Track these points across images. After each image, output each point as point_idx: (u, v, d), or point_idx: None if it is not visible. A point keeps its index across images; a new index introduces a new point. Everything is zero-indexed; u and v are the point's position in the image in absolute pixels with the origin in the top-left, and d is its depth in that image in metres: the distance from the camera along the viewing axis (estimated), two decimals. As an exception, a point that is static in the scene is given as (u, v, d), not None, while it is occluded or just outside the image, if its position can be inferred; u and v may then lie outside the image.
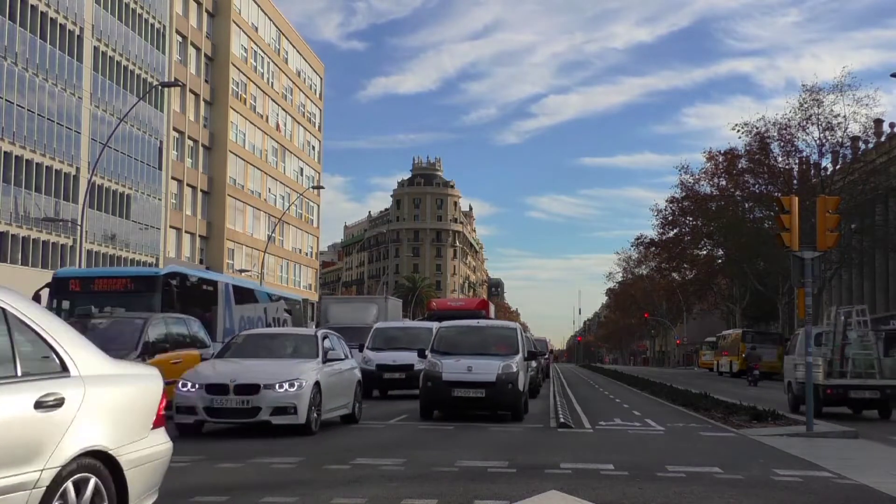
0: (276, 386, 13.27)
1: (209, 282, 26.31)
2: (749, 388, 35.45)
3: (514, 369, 16.66)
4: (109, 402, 5.35)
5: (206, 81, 69.03)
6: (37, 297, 21.39)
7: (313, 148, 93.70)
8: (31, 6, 46.54)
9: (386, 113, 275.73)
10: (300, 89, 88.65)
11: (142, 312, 17.40)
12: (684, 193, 58.99)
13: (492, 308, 35.25)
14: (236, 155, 72.30)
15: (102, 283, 22.18)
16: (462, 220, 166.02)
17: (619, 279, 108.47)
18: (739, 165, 54.71)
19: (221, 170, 69.97)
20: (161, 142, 60.32)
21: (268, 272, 71.91)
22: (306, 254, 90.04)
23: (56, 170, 48.78)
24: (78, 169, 50.21)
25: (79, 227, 38.63)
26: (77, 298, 21.17)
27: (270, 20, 79.93)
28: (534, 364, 25.24)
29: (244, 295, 28.96)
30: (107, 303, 20.06)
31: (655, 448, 12.89)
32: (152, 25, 59.38)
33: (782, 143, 51.55)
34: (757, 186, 54.53)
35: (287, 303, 33.96)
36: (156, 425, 5.80)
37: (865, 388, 19.14)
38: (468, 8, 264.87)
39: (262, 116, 77.65)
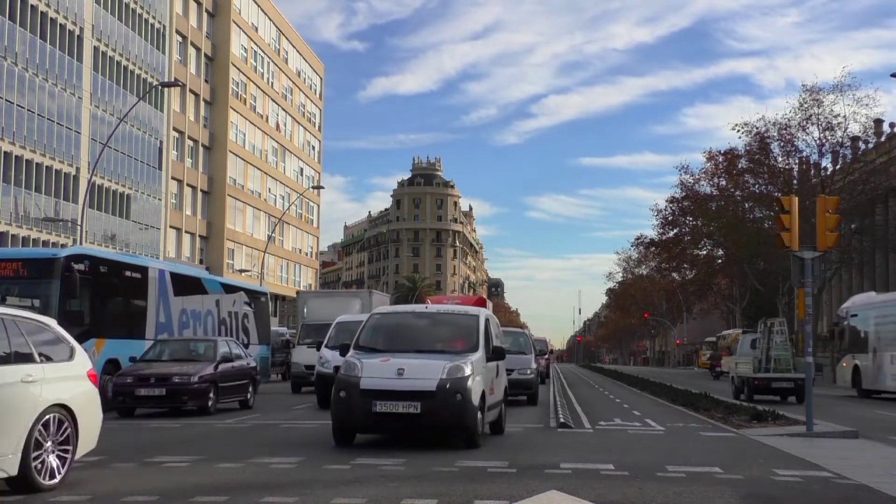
0: None
1: (135, 267, 22.83)
2: (711, 381, 45.90)
3: (466, 372, 11.89)
4: None
5: (206, 81, 69.02)
6: None
7: (313, 148, 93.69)
8: (31, 6, 46.53)
9: (386, 113, 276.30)
10: (300, 89, 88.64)
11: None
12: (684, 193, 59.01)
13: (489, 306, 34.52)
14: (236, 155, 72.28)
15: None
16: (462, 220, 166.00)
17: (619, 279, 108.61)
18: (739, 165, 54.69)
19: (221, 170, 69.96)
20: (161, 142, 60.31)
21: (268, 272, 71.93)
22: (306, 254, 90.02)
23: (56, 170, 48.77)
24: (78, 169, 50.20)
25: (79, 227, 38.62)
26: None
27: (270, 20, 79.92)
28: (532, 366, 23.41)
29: (187, 285, 25.27)
30: None
31: (655, 448, 12.88)
32: (152, 25, 59.37)
33: (782, 143, 51.57)
34: (757, 186, 54.52)
35: (249, 295, 30.58)
36: None
37: (783, 380, 25.99)
38: (468, 8, 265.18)
39: (262, 116, 77.65)
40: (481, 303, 33.21)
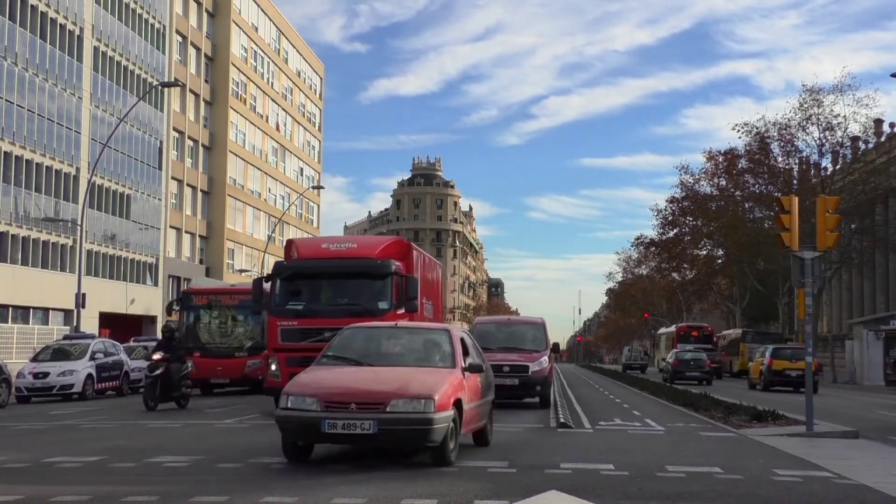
0: None
1: None
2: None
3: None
4: None
5: (206, 81, 69.00)
6: None
7: (313, 148, 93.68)
8: (31, 6, 46.51)
9: (387, 114, 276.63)
10: (300, 89, 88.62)
11: None
12: (684, 193, 59.07)
13: (416, 259, 20.70)
14: (236, 155, 72.24)
15: None
16: (462, 221, 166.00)
17: (619, 279, 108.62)
18: (739, 165, 54.71)
19: (221, 170, 69.93)
20: (161, 142, 60.27)
21: (268, 273, 71.84)
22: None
23: (56, 170, 48.74)
24: (78, 169, 50.17)
25: (79, 227, 38.62)
26: None
27: (270, 20, 79.90)
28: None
29: None
30: None
31: (655, 448, 12.88)
32: (152, 25, 59.34)
33: (782, 143, 51.57)
34: (757, 186, 54.53)
35: None
36: None
37: (636, 364, 55.66)
38: (470, 10, 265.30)
39: (262, 116, 77.62)
40: (398, 249, 20.32)
